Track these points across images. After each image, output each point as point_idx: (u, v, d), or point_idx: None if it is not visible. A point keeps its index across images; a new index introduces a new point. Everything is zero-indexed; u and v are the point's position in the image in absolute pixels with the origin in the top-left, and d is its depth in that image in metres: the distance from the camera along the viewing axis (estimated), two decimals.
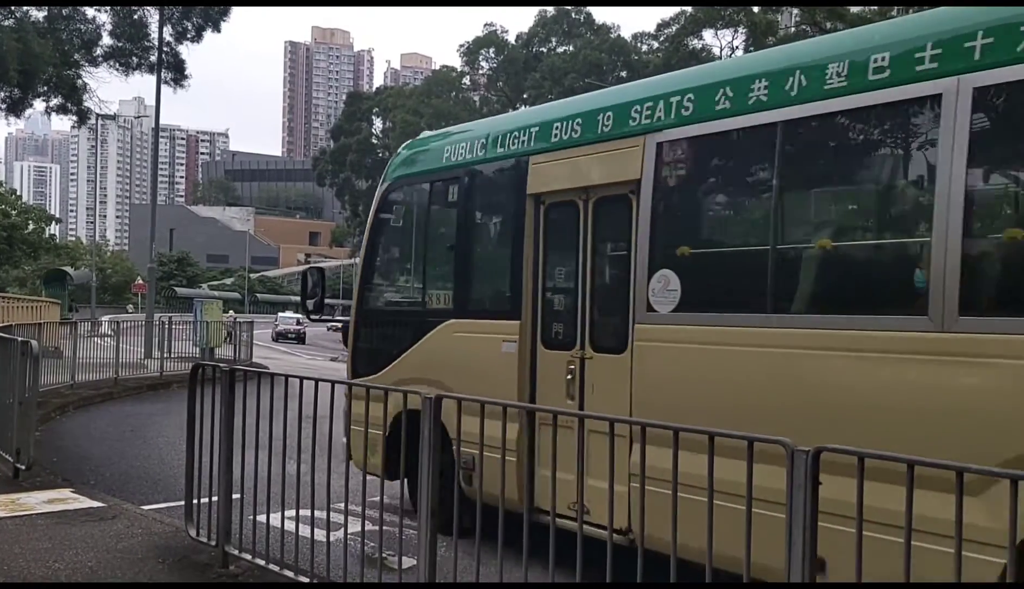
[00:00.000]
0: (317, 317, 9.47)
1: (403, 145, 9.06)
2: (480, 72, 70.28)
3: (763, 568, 3.55)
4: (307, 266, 10.03)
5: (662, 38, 61.21)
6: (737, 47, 60.66)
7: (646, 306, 5.93)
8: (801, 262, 5.49)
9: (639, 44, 63.41)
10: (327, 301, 9.60)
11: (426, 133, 9.14)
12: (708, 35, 59.88)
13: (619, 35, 63.49)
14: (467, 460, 5.73)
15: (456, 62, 71.05)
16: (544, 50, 65.25)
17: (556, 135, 6.87)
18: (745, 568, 3.60)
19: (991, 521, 3.41)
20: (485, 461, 4.58)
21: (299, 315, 41.19)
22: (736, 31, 58.31)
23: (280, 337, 45.68)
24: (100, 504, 7.77)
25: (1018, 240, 4.34)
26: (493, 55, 67.71)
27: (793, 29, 55.55)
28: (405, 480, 5.35)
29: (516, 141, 7.26)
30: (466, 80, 71.12)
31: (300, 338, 49.03)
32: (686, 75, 6.72)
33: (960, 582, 3.06)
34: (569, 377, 6.56)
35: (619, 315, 6.23)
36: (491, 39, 66.87)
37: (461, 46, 68.30)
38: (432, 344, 7.73)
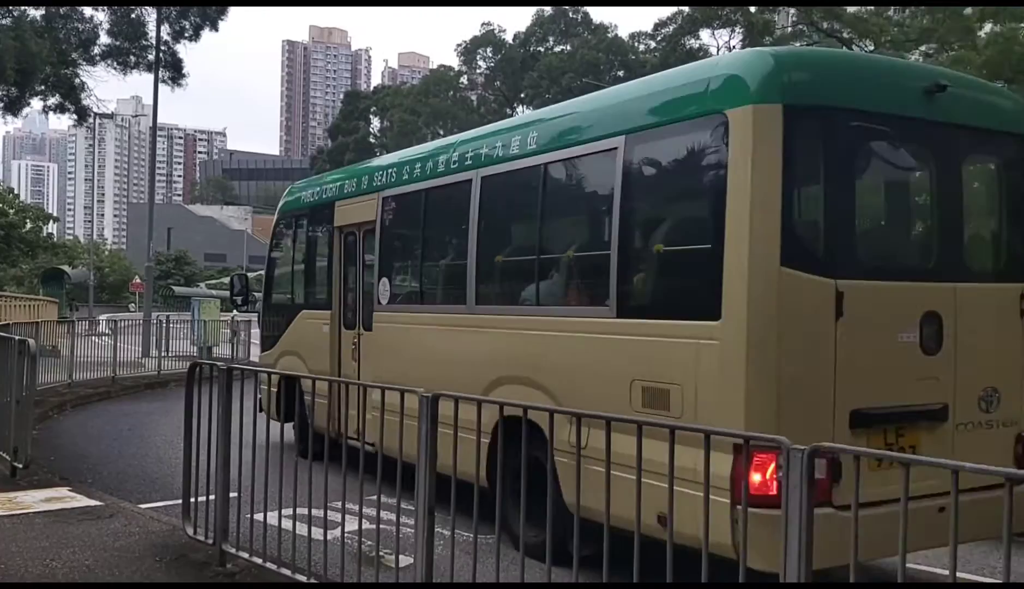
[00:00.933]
0: (245, 308, 14.36)
1: (287, 190, 13.12)
2: (478, 71, 70.15)
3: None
4: (234, 274, 15.24)
5: (659, 38, 61.21)
6: (734, 46, 60.71)
7: (377, 301, 9.56)
8: (429, 275, 9.28)
9: (636, 44, 63.35)
10: (252, 296, 13.72)
11: (301, 181, 13.25)
12: (705, 35, 59.91)
13: (616, 34, 63.43)
14: (309, 406, 8.43)
15: (454, 61, 70.89)
16: (541, 50, 65.16)
17: (346, 189, 10.74)
18: (742, 566, 3.67)
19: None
20: (317, 406, 7.82)
21: None
22: (733, 31, 58.35)
23: None
24: (97, 503, 7.78)
25: (499, 263, 7.92)
26: (491, 54, 67.57)
27: (790, 29, 55.60)
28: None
29: (330, 191, 11.19)
30: (464, 79, 70.97)
31: None
32: (398, 155, 10.79)
33: (956, 583, 3.09)
34: (353, 347, 10.20)
35: (371, 306, 9.72)
36: (488, 38, 66.74)
37: (458, 45, 68.07)
38: (295, 327, 11.61)
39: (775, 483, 4.92)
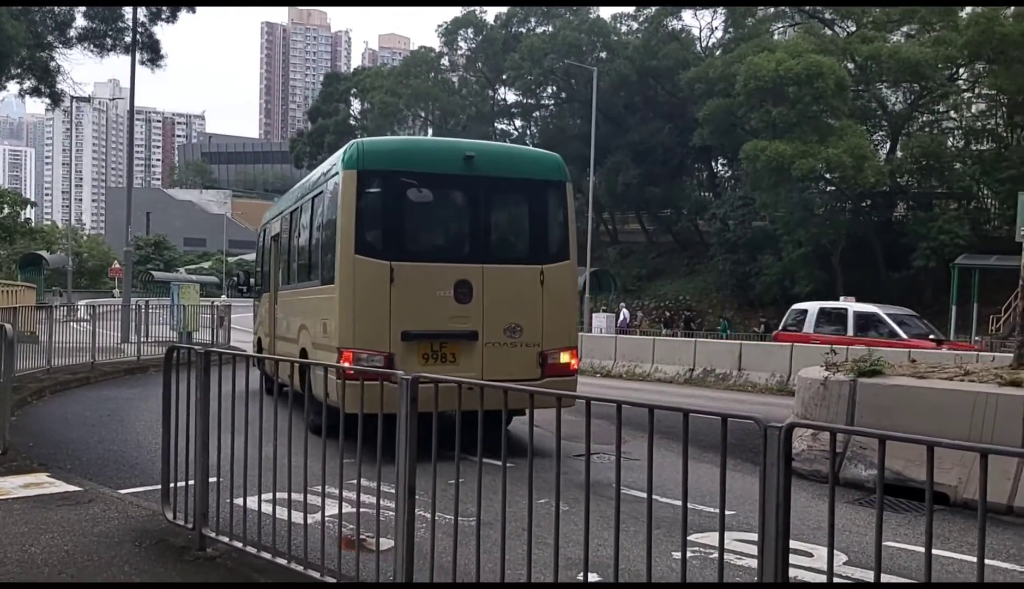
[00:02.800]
0: (248, 294, 20.75)
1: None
2: (459, 53, 69.80)
3: None
4: (241, 269, 22.46)
5: (641, 19, 61.07)
6: (716, 28, 60.65)
7: (279, 284, 14.93)
8: (288, 266, 14.40)
9: (618, 25, 63.22)
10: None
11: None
12: (687, 15, 59.71)
13: (598, 16, 63.25)
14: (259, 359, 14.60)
15: (435, 43, 70.33)
16: (523, 31, 64.88)
17: (276, 211, 16.49)
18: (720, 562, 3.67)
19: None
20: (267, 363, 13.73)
21: None
22: (715, 12, 58.27)
23: None
24: (77, 488, 7.73)
25: (299, 255, 13.67)
26: (472, 36, 67.23)
27: (772, 10, 55.57)
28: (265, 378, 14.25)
29: (274, 213, 16.83)
30: (445, 61, 70.61)
31: None
32: (286, 196, 16.41)
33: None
34: (276, 316, 14.84)
35: (279, 288, 15.00)
36: (470, 19, 66.36)
37: (439, 27, 67.72)
38: (261, 304, 17.41)
39: (351, 366, 9.09)
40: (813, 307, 26.52)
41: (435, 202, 11.10)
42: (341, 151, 10.88)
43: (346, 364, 9.10)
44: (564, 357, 10.77)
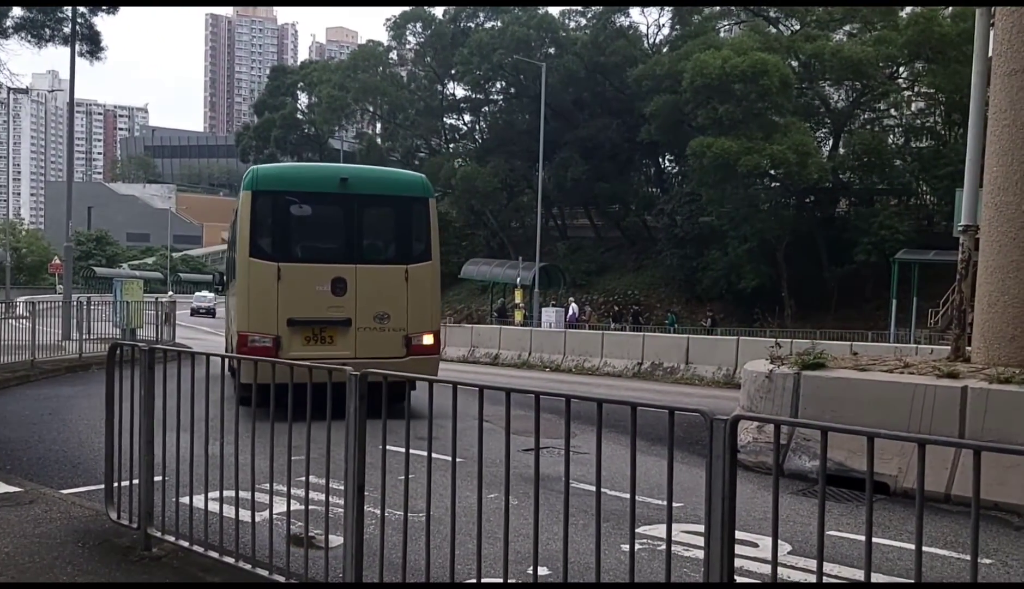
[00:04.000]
0: (222, 293, 27.49)
1: None
2: (407, 47, 69.37)
3: None
4: (215, 270, 28.95)
5: (589, 15, 61.27)
6: (663, 25, 61.10)
7: (228, 283, 17.82)
8: (228, 270, 18.59)
9: (567, 20, 63.34)
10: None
11: None
12: (635, 12, 60.00)
13: (547, 11, 63.27)
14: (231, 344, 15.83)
15: (383, 37, 69.77)
16: (472, 26, 64.69)
17: (230, 222, 18.51)
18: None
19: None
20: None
21: (212, 294, 65.46)
22: (662, 9, 58.69)
23: (195, 312, 61.00)
24: (16, 489, 7.56)
25: (230, 264, 17.04)
26: (420, 30, 66.87)
27: (718, 8, 56.13)
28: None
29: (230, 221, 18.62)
30: (393, 55, 70.13)
31: (211, 312, 61.72)
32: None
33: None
34: (227, 310, 17.97)
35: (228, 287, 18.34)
36: (418, 14, 65.94)
37: (387, 20, 67.16)
38: (227, 298, 18.59)
39: (245, 345, 12.51)
40: None
41: (315, 215, 13.57)
42: (244, 175, 13.55)
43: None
44: (427, 339, 13.22)
